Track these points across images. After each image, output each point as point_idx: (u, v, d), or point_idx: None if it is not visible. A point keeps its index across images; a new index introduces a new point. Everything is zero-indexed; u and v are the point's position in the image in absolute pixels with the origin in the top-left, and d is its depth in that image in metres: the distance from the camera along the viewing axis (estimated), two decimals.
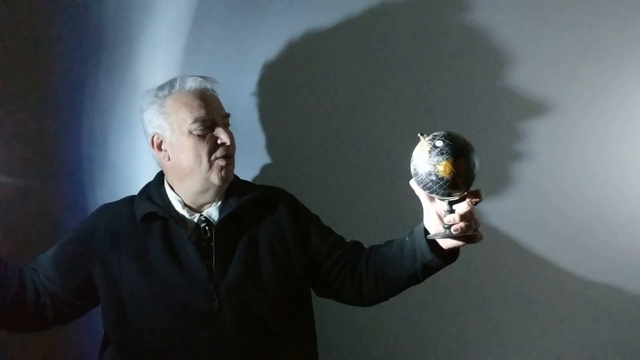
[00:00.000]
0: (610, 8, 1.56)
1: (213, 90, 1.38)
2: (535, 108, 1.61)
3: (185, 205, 1.37)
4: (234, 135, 1.37)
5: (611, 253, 1.62)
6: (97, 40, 1.62)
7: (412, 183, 1.12)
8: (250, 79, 1.68)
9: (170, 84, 1.35)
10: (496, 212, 1.63)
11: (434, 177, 1.03)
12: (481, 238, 1.11)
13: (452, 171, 1.02)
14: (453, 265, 1.23)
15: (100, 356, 1.39)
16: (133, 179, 1.64)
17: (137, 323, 1.29)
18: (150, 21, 1.64)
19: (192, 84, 1.35)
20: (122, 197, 1.45)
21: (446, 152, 1.02)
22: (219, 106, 1.38)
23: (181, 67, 1.65)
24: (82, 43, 1.61)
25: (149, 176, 1.49)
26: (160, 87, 1.36)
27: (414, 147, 1.08)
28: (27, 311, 1.28)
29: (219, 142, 1.34)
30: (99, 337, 1.41)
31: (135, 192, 1.44)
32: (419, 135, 1.08)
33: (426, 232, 1.18)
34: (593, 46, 1.58)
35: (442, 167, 1.02)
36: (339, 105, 1.68)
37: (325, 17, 1.65)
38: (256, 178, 1.68)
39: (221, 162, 1.33)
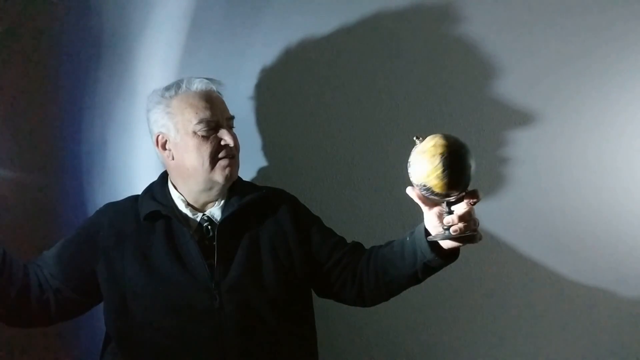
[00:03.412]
0: (596, 21, 1.60)
1: (219, 92, 1.40)
2: (527, 114, 1.64)
3: (188, 204, 1.38)
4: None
5: (605, 255, 1.64)
6: (97, 41, 1.64)
7: (409, 191, 1.13)
8: (248, 81, 1.69)
9: (177, 84, 1.37)
10: (491, 214, 1.64)
11: (431, 179, 1.05)
12: (480, 238, 1.12)
13: (450, 172, 1.04)
14: (451, 265, 1.24)
15: (101, 355, 1.40)
16: (132, 178, 1.66)
17: (138, 320, 1.29)
18: (150, 23, 1.66)
19: (198, 85, 1.36)
20: (121, 195, 1.47)
21: (443, 154, 1.04)
22: (224, 108, 1.39)
23: (179, 69, 1.66)
24: (82, 44, 1.63)
25: (147, 176, 1.50)
26: (167, 88, 1.38)
27: (412, 149, 1.09)
28: (31, 307, 1.29)
29: (222, 143, 1.35)
30: (100, 336, 1.42)
31: (134, 191, 1.45)
32: (414, 138, 1.09)
33: (427, 232, 1.19)
34: (579, 57, 1.62)
35: (440, 169, 1.03)
36: (338, 106, 1.70)
37: (323, 20, 1.67)
38: (257, 179, 1.69)
39: (224, 162, 1.35)
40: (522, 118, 1.64)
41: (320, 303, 1.47)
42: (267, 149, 1.72)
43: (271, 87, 1.70)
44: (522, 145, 1.65)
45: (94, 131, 1.66)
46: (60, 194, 1.63)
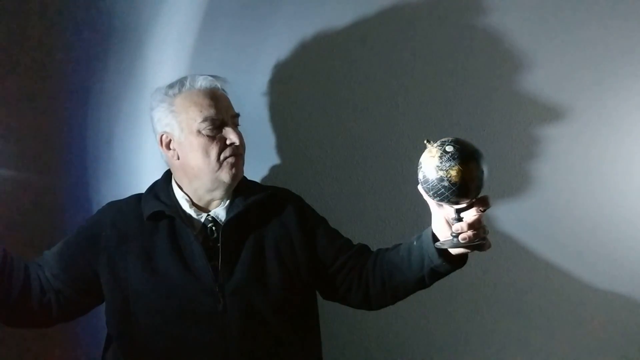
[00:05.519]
0: (628, 15, 1.57)
1: (223, 90, 1.38)
2: (548, 112, 1.62)
3: (192, 204, 1.36)
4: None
5: (621, 257, 1.64)
6: (105, 37, 1.62)
7: (421, 189, 1.11)
8: (258, 80, 1.68)
9: (181, 82, 1.35)
10: (504, 214, 1.64)
11: (444, 184, 1.02)
12: (489, 246, 1.10)
13: (463, 177, 1.01)
14: None
15: (103, 355, 1.39)
16: (138, 177, 1.64)
17: (141, 322, 1.28)
18: (160, 19, 1.64)
19: (202, 83, 1.34)
20: (127, 193, 1.45)
21: (457, 158, 1.01)
22: (229, 106, 1.37)
23: (189, 66, 1.65)
24: (90, 40, 1.61)
25: (153, 174, 1.48)
26: (171, 86, 1.36)
27: (419, 150, 1.07)
28: (32, 307, 1.28)
29: (227, 142, 1.33)
30: (101, 337, 1.41)
31: (140, 190, 1.44)
32: (425, 142, 1.07)
33: (434, 237, 1.18)
34: (608, 52, 1.59)
35: (454, 173, 1.01)
36: (344, 106, 1.69)
37: (334, 20, 1.65)
38: (263, 179, 1.68)
39: (231, 160, 1.33)
40: (550, 115, 1.62)
41: (324, 305, 1.46)
42: (275, 147, 1.71)
43: (280, 86, 1.68)
44: (548, 144, 1.63)
45: (100, 128, 1.65)
46: (65, 192, 1.62)
